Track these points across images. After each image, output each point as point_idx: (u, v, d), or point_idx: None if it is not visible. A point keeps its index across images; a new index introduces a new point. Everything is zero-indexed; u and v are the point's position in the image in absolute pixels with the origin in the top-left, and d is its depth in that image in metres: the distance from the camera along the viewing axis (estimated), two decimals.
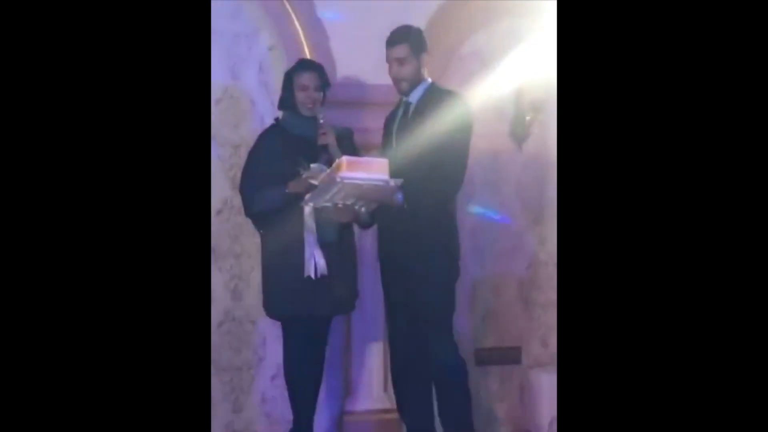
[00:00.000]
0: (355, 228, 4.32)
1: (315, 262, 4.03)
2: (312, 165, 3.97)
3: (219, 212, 4.72)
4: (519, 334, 5.30)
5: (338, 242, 4.11)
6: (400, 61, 4.03)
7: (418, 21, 4.41)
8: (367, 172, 3.76)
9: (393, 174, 3.77)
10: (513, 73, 5.04)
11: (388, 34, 4.18)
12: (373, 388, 4.95)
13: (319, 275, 4.00)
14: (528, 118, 5.21)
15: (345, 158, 3.72)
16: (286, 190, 4.01)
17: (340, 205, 3.85)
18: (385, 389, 4.88)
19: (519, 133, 5.24)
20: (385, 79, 4.30)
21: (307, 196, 3.89)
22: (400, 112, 4.14)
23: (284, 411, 4.40)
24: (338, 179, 3.66)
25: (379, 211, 4.00)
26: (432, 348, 4.07)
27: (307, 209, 3.99)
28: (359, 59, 4.80)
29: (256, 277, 4.47)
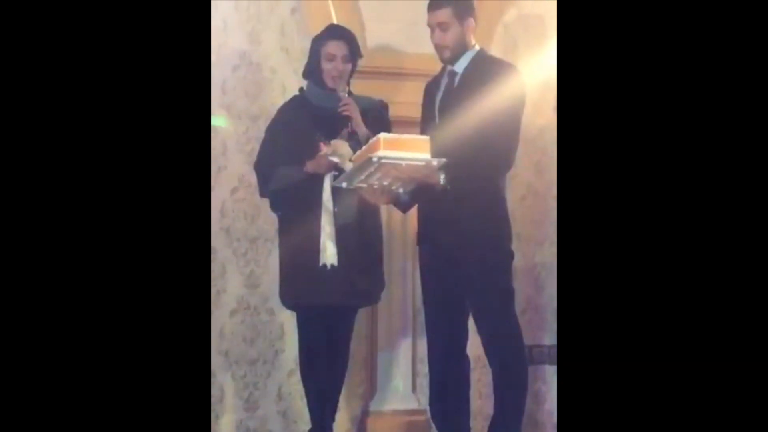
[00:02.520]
0: (383, 211, 4.30)
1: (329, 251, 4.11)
2: (333, 141, 3.97)
3: (234, 191, 4.68)
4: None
5: (361, 226, 4.11)
6: (443, 26, 3.94)
7: None
8: (407, 150, 3.72)
9: (435, 152, 3.71)
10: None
11: None
12: (401, 387, 4.92)
13: (329, 265, 4.05)
14: None
15: (382, 135, 3.70)
16: (305, 169, 4.03)
17: (376, 187, 3.83)
18: (414, 389, 4.88)
19: None
20: (424, 47, 4.22)
21: (340, 177, 3.92)
22: (444, 82, 4.07)
23: (303, 410, 4.38)
24: (374, 159, 3.64)
25: (420, 193, 3.94)
26: (492, 340, 4.04)
27: (326, 191, 4.03)
28: (393, 23, 4.80)
29: (273, 263, 4.43)
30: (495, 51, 4.50)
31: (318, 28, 4.43)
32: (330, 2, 4.74)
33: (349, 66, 4.16)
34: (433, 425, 4.24)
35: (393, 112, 4.33)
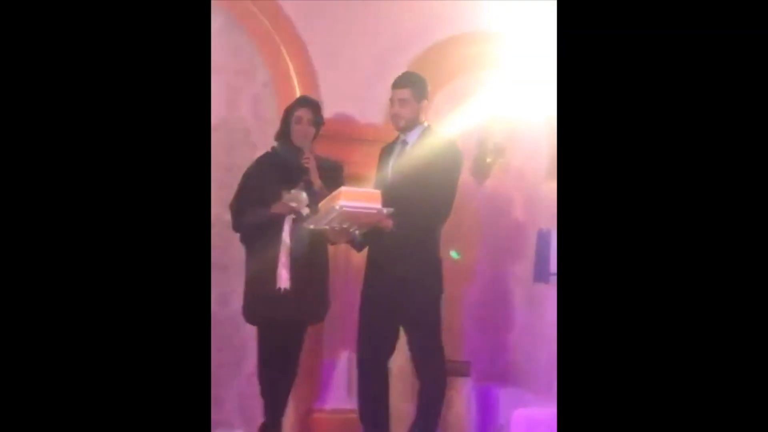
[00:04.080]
0: (331, 249, 4.55)
1: (283, 277, 4.26)
2: (292, 190, 4.27)
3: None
4: (469, 350, 5.53)
5: (310, 258, 4.34)
6: (402, 102, 4.24)
7: (400, 68, 4.73)
8: (362, 201, 4.00)
9: (387, 203, 4.00)
10: (477, 119, 5.28)
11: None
12: (340, 390, 5.18)
13: (283, 288, 4.24)
14: (489, 160, 5.45)
15: (343, 189, 4.00)
16: (270, 211, 4.29)
17: (337, 229, 4.09)
18: (348, 392, 5.09)
19: (480, 173, 5.46)
20: (373, 118, 4.69)
21: (309, 220, 4.17)
22: (397, 148, 4.33)
23: (259, 407, 4.59)
24: (337, 206, 3.91)
25: (372, 235, 4.21)
26: (420, 358, 4.26)
27: (286, 229, 4.28)
28: (346, 99, 5.15)
29: (241, 286, 4.62)
30: (430, 119, 4.59)
31: (284, 99, 4.75)
32: (295, 79, 5.05)
33: (313, 129, 4.43)
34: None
35: (346, 170, 4.59)
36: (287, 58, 5.12)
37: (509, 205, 5.73)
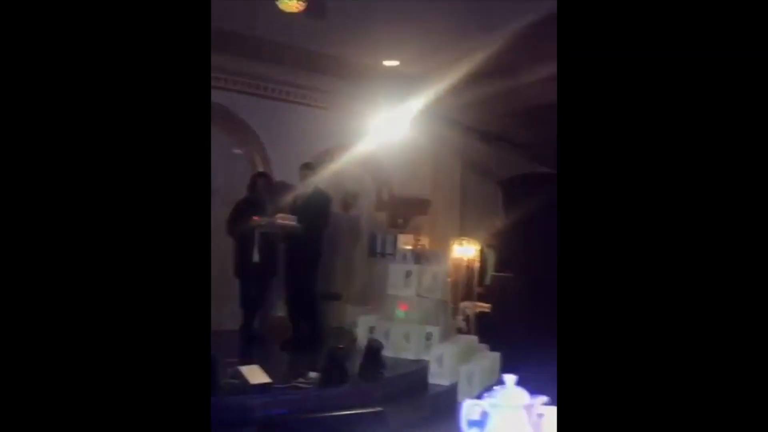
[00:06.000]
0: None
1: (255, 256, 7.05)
2: (261, 215, 7.14)
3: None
4: (340, 286, 9.13)
5: (268, 247, 7.27)
6: (305, 177, 7.36)
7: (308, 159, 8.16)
8: (288, 220, 7.11)
9: (298, 221, 7.06)
10: (344, 183, 8.97)
11: (297, 162, 7.74)
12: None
13: (257, 261, 7.09)
14: (349, 201, 9.11)
15: (279, 215, 7.04)
16: (250, 225, 7.07)
17: (278, 231, 7.10)
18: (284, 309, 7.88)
19: (345, 206, 9.24)
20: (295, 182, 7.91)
21: (265, 228, 7.05)
22: (306, 197, 7.32)
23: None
24: (276, 221, 6.97)
25: (292, 234, 7.11)
26: (307, 290, 7.24)
27: (257, 234, 7.07)
28: (289, 170, 8.41)
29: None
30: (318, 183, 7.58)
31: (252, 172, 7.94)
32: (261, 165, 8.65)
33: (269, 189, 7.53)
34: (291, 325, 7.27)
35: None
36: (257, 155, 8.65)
37: (358, 222, 9.62)
